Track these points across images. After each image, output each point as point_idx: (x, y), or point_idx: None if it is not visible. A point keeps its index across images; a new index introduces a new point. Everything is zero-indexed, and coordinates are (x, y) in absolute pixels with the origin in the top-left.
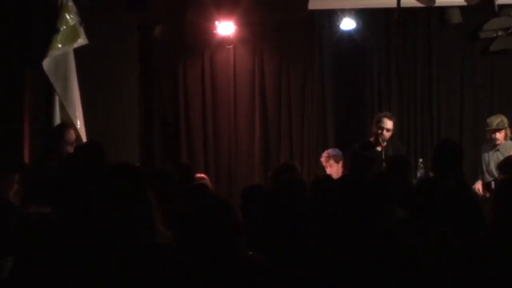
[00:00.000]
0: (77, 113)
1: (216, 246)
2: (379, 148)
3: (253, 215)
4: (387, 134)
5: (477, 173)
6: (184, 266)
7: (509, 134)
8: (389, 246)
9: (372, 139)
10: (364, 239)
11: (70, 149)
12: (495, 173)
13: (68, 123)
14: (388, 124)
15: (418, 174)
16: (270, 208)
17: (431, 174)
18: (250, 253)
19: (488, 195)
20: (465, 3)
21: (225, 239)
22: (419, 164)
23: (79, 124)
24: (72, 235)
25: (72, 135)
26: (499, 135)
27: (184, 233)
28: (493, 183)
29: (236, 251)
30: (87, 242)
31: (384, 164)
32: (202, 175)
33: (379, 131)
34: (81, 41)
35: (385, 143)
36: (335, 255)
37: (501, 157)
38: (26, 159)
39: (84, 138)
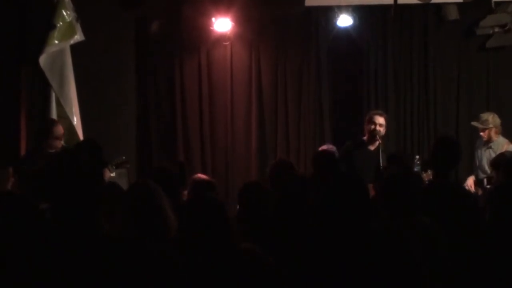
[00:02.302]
0: (73, 110)
1: (208, 239)
2: (371, 147)
3: (254, 210)
4: (381, 129)
5: (472, 169)
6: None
7: (498, 132)
8: (385, 243)
9: (365, 137)
10: (360, 237)
11: (60, 144)
12: (488, 170)
13: (55, 118)
14: (380, 120)
15: (415, 171)
16: (269, 203)
17: (429, 171)
18: (248, 245)
19: (480, 192)
20: (461, 0)
21: (216, 233)
22: (415, 160)
23: (76, 120)
24: (67, 229)
25: (60, 129)
26: (483, 133)
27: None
28: (485, 180)
29: (228, 243)
30: (85, 237)
31: (380, 161)
32: (203, 176)
33: (373, 127)
34: (78, 37)
35: (379, 139)
36: (331, 250)
37: (493, 154)
38: (23, 155)
39: (80, 135)
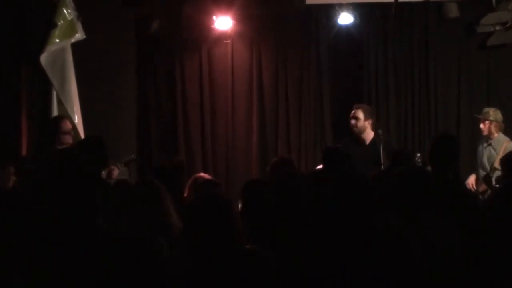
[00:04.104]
0: (74, 108)
1: (212, 240)
2: (365, 142)
3: (256, 209)
4: (357, 122)
5: (473, 168)
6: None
7: (498, 128)
8: (386, 241)
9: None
10: (360, 234)
11: (69, 139)
12: (487, 167)
13: (61, 115)
14: (356, 113)
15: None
16: (270, 202)
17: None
18: (249, 246)
19: (481, 188)
20: None
21: (221, 233)
22: (416, 158)
23: (77, 119)
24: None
25: (68, 125)
26: (483, 126)
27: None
28: (493, 179)
29: (233, 245)
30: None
31: (381, 159)
32: (205, 175)
33: (350, 121)
34: (79, 36)
35: (357, 130)
36: (332, 249)
37: (493, 152)
38: (24, 153)
39: (81, 133)
